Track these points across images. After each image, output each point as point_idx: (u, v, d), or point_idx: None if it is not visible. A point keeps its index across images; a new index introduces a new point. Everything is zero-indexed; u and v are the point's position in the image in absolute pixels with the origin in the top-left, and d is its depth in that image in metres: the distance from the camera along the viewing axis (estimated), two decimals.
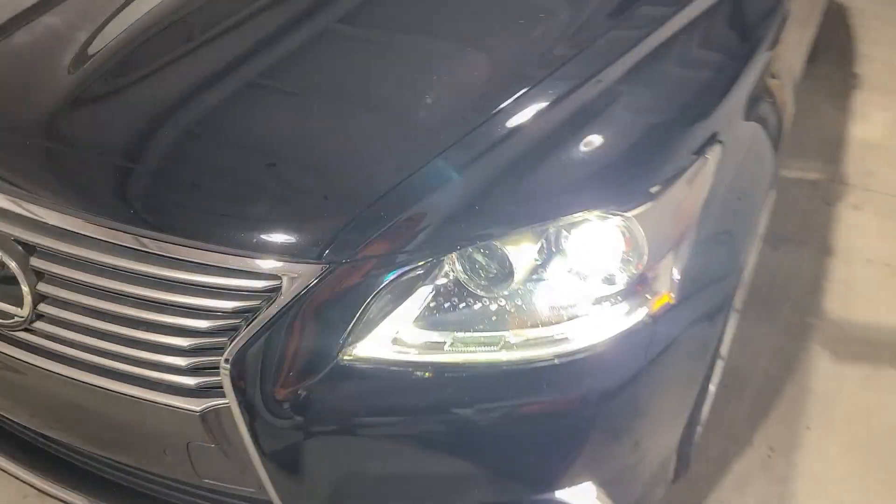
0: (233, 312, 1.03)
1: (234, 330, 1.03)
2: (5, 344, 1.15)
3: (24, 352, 1.14)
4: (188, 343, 1.05)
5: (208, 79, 1.22)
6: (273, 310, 1.01)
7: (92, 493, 1.29)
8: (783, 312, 2.22)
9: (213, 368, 1.05)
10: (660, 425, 1.23)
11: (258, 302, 1.03)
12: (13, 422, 1.34)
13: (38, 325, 1.12)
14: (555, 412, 1.11)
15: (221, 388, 1.05)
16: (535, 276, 1.08)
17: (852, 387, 1.99)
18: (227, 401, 1.05)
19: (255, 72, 1.24)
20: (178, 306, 1.05)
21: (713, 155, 1.19)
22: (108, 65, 1.24)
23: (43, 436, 1.34)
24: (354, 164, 1.09)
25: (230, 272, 1.02)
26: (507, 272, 1.07)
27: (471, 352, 1.06)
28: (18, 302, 1.11)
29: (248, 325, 1.02)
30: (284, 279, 1.01)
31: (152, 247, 1.03)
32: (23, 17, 1.38)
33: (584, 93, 1.19)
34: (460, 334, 1.07)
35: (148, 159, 1.12)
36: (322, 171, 1.09)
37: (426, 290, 1.06)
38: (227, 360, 1.02)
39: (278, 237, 1.02)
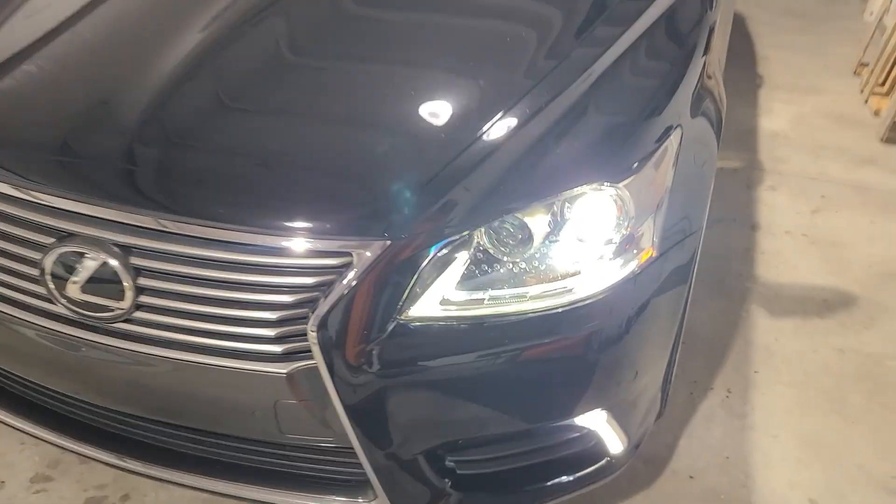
0: (313, 287, 1.26)
1: (314, 301, 1.26)
2: (101, 335, 1.34)
3: (122, 340, 1.33)
4: (275, 316, 1.27)
5: (283, 87, 1.45)
6: (346, 282, 1.25)
7: (174, 467, 1.49)
8: (723, 279, 2.56)
9: (295, 336, 1.28)
10: (652, 359, 1.50)
11: (333, 276, 1.25)
12: (97, 412, 1.52)
13: (137, 314, 1.31)
14: (569, 349, 1.37)
15: (304, 351, 1.27)
16: (547, 241, 1.35)
17: (787, 336, 2.33)
18: (312, 362, 1.27)
19: (325, 86, 1.49)
20: (266, 286, 1.26)
21: (675, 139, 1.48)
22: (183, 79, 1.45)
23: (121, 421, 1.52)
24: (404, 158, 1.33)
25: (310, 253, 1.25)
26: (527, 238, 1.33)
27: (503, 305, 1.32)
28: (119, 296, 1.30)
29: (326, 297, 1.25)
30: (354, 255, 1.24)
31: (243, 238, 1.25)
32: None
33: (568, 97, 1.47)
34: (493, 292, 1.32)
35: (232, 164, 1.34)
36: (379, 165, 1.33)
37: (463, 259, 1.31)
38: (313, 328, 1.24)
39: (348, 221, 1.25)
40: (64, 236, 1.32)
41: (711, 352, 2.25)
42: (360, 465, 1.38)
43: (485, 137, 1.36)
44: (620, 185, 1.35)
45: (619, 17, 1.71)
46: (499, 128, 1.38)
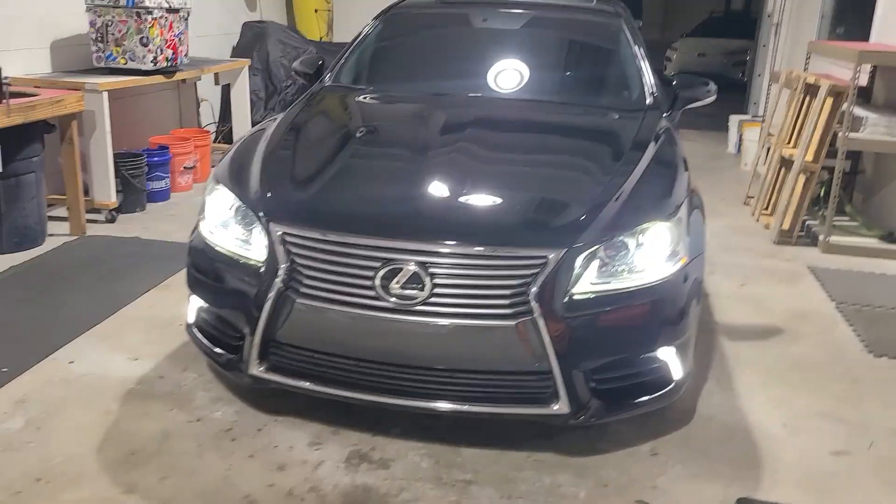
0: (528, 275, 2.42)
1: (529, 283, 2.41)
2: (408, 315, 2.43)
3: (422, 316, 2.42)
4: (509, 292, 2.41)
5: (506, 171, 2.82)
6: (545, 272, 2.41)
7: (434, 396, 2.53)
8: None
9: (519, 304, 2.41)
10: (691, 319, 2.66)
11: (538, 269, 2.42)
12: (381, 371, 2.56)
13: (431, 299, 2.42)
14: (651, 308, 2.54)
15: (524, 312, 2.40)
16: (636, 252, 2.56)
17: (745, 350, 3.57)
18: (528, 317, 2.39)
19: (526, 171, 2.85)
20: (504, 276, 2.41)
21: (685, 207, 2.77)
22: (442, 167, 2.71)
23: (392, 374, 2.55)
24: (569, 209, 2.57)
25: (527, 257, 2.42)
26: (625, 250, 2.55)
27: (619, 283, 2.50)
28: (420, 289, 2.41)
29: (535, 280, 2.41)
30: (549, 257, 2.42)
31: (495, 251, 2.41)
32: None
33: (630, 182, 2.74)
34: (613, 278, 2.51)
35: (479, 212, 2.55)
36: (559, 213, 2.56)
37: (597, 261, 2.50)
38: (532, 297, 2.39)
39: (547, 240, 2.45)
40: (386, 261, 2.44)
41: (701, 361, 3.44)
42: (550, 382, 2.47)
43: (600, 200, 2.61)
44: (669, 221, 2.61)
45: (634, 157, 3.01)
46: (604, 194, 2.64)
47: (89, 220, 4.90)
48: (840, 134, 4.90)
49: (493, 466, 2.64)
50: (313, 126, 3.27)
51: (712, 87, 3.79)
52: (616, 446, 2.78)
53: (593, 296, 2.47)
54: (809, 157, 5.09)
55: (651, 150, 3.03)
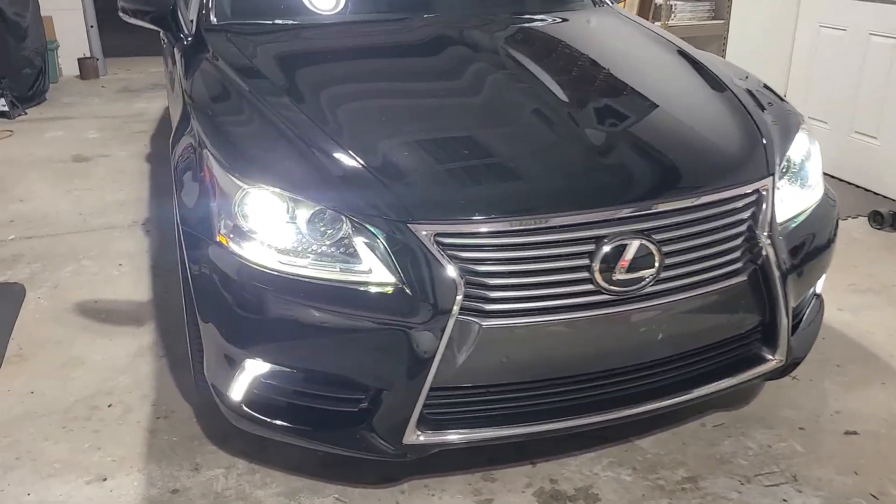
0: (748, 218, 1.95)
1: (754, 226, 1.95)
2: (636, 303, 1.83)
3: (652, 300, 1.84)
4: (738, 242, 1.93)
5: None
6: (763, 206, 1.96)
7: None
8: None
9: (745, 253, 1.95)
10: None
11: (754, 208, 1.96)
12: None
13: (662, 274, 1.83)
14: (826, 226, 2.21)
15: (749, 262, 1.95)
16: (800, 168, 2.19)
17: None
18: (753, 266, 1.94)
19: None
20: (733, 224, 1.93)
21: None
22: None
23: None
24: (727, 125, 2.17)
25: (747, 194, 1.95)
26: (793, 168, 2.16)
27: (800, 205, 2.13)
28: (649, 266, 1.80)
29: (760, 219, 1.95)
30: (761, 190, 1.97)
31: (726, 194, 1.91)
32: None
33: (738, 92, 2.35)
34: (794, 201, 2.11)
35: (675, 150, 2.03)
36: (727, 132, 2.14)
37: (778, 186, 2.08)
38: (765, 237, 1.94)
39: (752, 169, 2.00)
40: (598, 238, 1.78)
41: None
42: (758, 335, 2.08)
43: (745, 116, 2.22)
44: (805, 126, 2.30)
45: (690, 61, 2.65)
46: (739, 111, 2.25)
47: None
48: (659, 23, 5.02)
49: (688, 450, 2.21)
50: (316, 84, 2.26)
51: None
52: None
53: (791, 224, 2.08)
54: None
55: (693, 51, 2.67)
